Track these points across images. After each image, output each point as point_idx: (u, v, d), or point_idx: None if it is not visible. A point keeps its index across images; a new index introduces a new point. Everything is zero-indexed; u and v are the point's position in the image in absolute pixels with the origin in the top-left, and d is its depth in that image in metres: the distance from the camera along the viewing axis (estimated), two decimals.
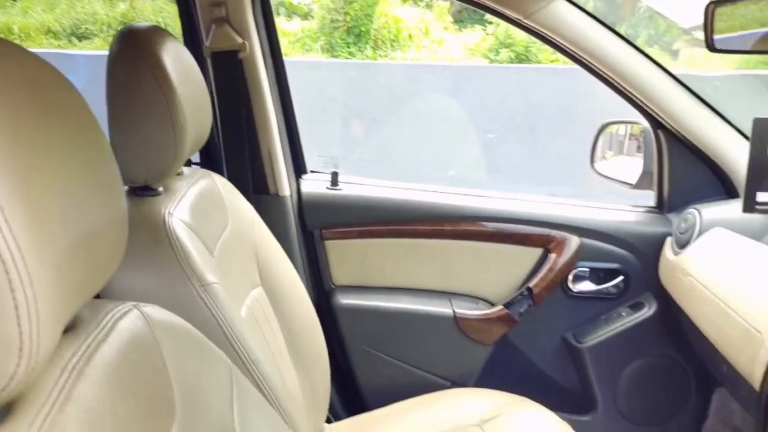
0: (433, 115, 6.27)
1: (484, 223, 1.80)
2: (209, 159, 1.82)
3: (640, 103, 1.67)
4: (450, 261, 1.83)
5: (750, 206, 0.97)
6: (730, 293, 1.35)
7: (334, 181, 1.86)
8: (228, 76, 1.69)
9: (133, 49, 1.05)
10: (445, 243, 1.81)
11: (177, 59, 1.09)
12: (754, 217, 1.55)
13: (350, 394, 1.86)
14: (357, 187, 1.88)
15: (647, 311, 1.79)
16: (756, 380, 1.20)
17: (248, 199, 1.44)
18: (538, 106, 6.27)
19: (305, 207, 1.84)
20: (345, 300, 1.82)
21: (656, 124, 1.73)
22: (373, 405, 1.64)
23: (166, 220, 1.06)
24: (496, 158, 6.23)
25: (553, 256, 1.78)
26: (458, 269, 1.83)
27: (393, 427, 1.51)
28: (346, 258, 1.84)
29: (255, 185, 1.77)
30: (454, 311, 1.80)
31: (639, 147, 1.95)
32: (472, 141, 6.31)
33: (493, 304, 1.83)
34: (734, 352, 1.31)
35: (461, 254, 1.82)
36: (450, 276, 1.84)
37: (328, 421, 1.58)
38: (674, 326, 1.75)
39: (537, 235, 1.79)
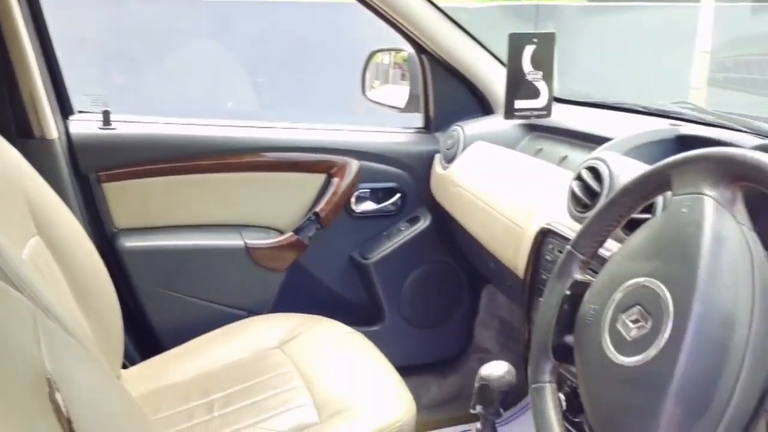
0: (199, 54, 6.05)
1: (266, 153, 1.83)
2: None
3: (405, 30, 1.79)
4: (236, 194, 1.84)
5: (510, 113, 1.11)
6: (493, 197, 1.53)
7: (107, 121, 1.77)
8: None
9: None
10: (229, 176, 1.82)
11: None
12: (509, 129, 1.75)
13: (145, 338, 1.84)
14: (132, 125, 1.81)
15: (423, 224, 1.95)
16: (520, 270, 1.38)
17: (13, 144, 1.34)
18: (304, 40, 6.31)
19: (77, 149, 1.74)
20: (129, 243, 1.78)
21: (420, 49, 1.86)
22: (170, 346, 1.63)
23: None
24: (271, 95, 6.20)
25: (335, 180, 1.86)
26: (245, 201, 1.86)
27: (192, 363, 1.51)
28: (127, 200, 1.78)
29: (18, 129, 1.64)
30: (245, 242, 1.83)
31: (403, 75, 2.08)
32: (243, 80, 6.21)
33: (282, 232, 1.88)
34: (500, 248, 1.49)
35: (247, 186, 1.84)
36: (238, 208, 1.86)
37: (124, 366, 1.56)
38: (447, 235, 1.93)
39: (319, 162, 1.86)
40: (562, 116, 1.66)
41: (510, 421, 1.90)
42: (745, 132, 1.25)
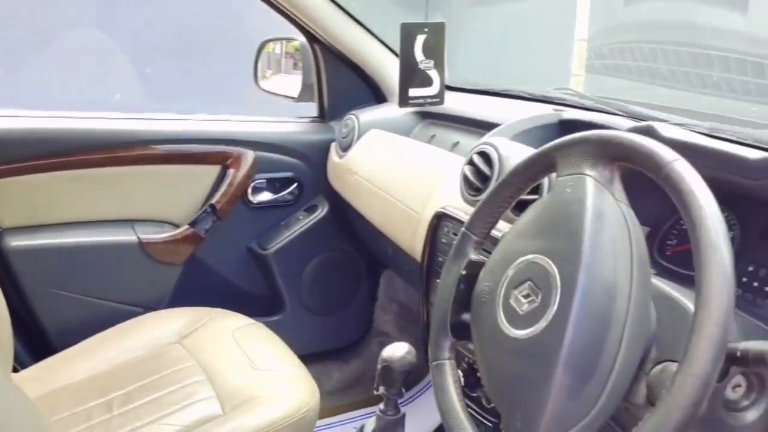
0: (81, 44, 5.79)
1: (158, 145, 1.79)
2: None
3: (297, 19, 1.79)
4: (128, 188, 1.79)
5: (404, 101, 1.14)
6: (389, 183, 1.56)
7: None
8: None
9: None
10: (120, 170, 1.77)
11: None
12: (402, 117, 1.78)
13: (37, 340, 1.77)
14: (13, 120, 1.73)
15: (321, 212, 1.96)
16: (417, 254, 1.42)
17: None
18: (193, 30, 6.15)
19: None
20: (16, 242, 1.70)
21: (312, 38, 1.87)
22: (64, 347, 1.57)
23: None
24: (159, 86, 6.01)
25: (231, 171, 1.85)
26: (138, 195, 1.81)
27: (88, 363, 1.47)
28: (12, 197, 1.70)
29: None
30: (138, 237, 1.78)
31: (295, 64, 2.08)
32: (130, 71, 5.99)
33: (177, 226, 1.85)
34: (397, 232, 1.52)
35: (139, 180, 1.79)
36: (130, 203, 1.81)
37: (15, 370, 1.49)
38: (345, 222, 1.96)
39: (213, 153, 1.84)
40: (454, 103, 1.72)
41: (412, 401, 1.96)
42: (621, 116, 1.33)
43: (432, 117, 1.76)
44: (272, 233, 1.96)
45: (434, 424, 1.84)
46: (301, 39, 1.92)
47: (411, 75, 1.11)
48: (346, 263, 2.05)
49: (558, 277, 0.77)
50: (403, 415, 1.22)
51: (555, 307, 0.76)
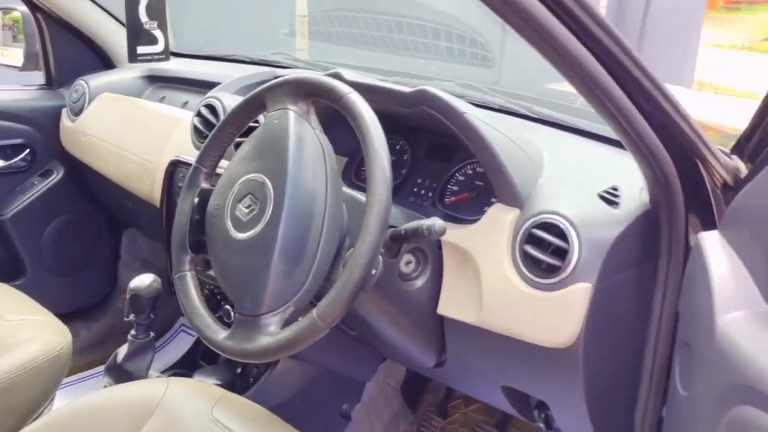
0: None
1: None
2: None
3: None
4: None
5: (134, 57, 1.27)
6: (124, 140, 1.69)
7: None
8: None
9: None
10: None
11: None
12: (132, 81, 1.90)
13: None
14: None
15: (56, 176, 2.01)
16: (156, 200, 1.57)
17: None
18: None
19: None
20: None
21: (33, 7, 1.90)
22: None
23: None
24: None
25: None
26: None
27: None
28: None
29: None
30: None
31: (14, 37, 2.09)
32: None
33: None
34: (136, 184, 1.66)
35: None
36: None
37: None
38: (82, 184, 2.03)
39: None
40: (181, 67, 1.87)
41: (167, 344, 2.10)
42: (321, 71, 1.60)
43: (161, 80, 1.90)
44: (7, 199, 1.97)
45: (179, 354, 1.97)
46: (22, 8, 1.93)
47: (138, 34, 1.25)
48: (86, 224, 2.12)
49: (271, 188, 0.99)
50: (153, 338, 1.38)
51: (270, 211, 0.98)
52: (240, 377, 1.55)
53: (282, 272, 0.97)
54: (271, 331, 0.97)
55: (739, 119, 1.00)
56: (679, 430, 0.89)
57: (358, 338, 1.41)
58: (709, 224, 0.98)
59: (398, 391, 1.82)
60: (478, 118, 1.08)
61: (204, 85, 1.75)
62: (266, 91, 1.08)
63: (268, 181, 1.01)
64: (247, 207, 1.02)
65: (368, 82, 1.19)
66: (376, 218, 0.92)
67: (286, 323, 0.98)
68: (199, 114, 1.45)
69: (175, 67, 1.90)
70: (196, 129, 1.45)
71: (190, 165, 1.46)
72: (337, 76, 1.16)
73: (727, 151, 0.97)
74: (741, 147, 0.94)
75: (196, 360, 1.67)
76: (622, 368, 1.10)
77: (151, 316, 1.36)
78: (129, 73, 1.93)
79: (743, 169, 0.95)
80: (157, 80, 1.91)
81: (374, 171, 0.94)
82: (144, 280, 1.34)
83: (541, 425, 1.25)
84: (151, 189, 1.59)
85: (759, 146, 0.92)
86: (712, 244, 0.90)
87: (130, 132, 1.71)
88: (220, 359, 1.63)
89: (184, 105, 1.75)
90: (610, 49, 0.79)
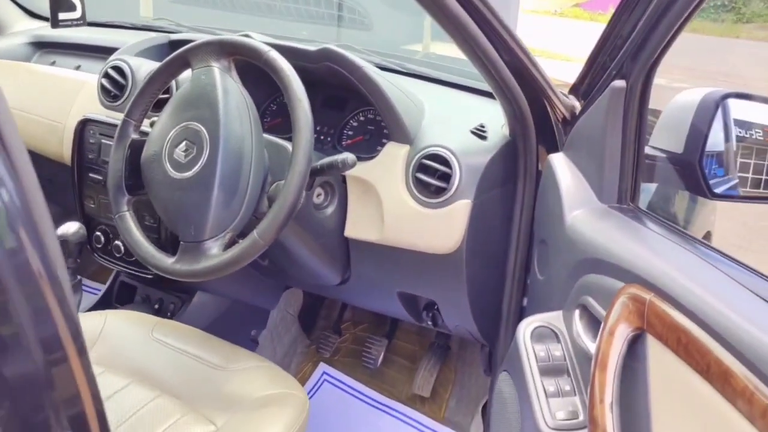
0: None
1: None
2: None
3: None
4: None
5: (56, 23, 1.37)
6: (26, 103, 1.76)
7: None
8: None
9: None
10: None
11: None
12: (17, 48, 1.98)
13: None
14: None
15: None
16: (67, 158, 1.67)
17: None
18: None
19: None
20: None
21: None
22: None
23: None
24: None
25: None
26: None
27: None
28: None
29: None
30: None
31: None
32: None
33: None
34: (44, 145, 1.73)
35: None
36: None
37: None
38: None
39: None
40: (67, 33, 1.95)
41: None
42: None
43: (48, 46, 1.97)
44: None
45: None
46: None
47: (59, 1, 1.34)
48: None
49: (206, 134, 1.17)
50: (80, 280, 1.52)
51: (207, 153, 1.16)
52: (157, 313, 1.70)
53: (222, 203, 1.16)
54: (215, 253, 1.16)
55: (557, 76, 1.30)
56: (539, 309, 1.18)
57: (264, 270, 1.62)
58: (553, 150, 1.27)
59: (296, 319, 2.05)
60: (374, 71, 1.31)
61: (95, 50, 1.86)
62: (190, 51, 1.25)
63: (202, 128, 1.18)
64: (184, 151, 1.19)
65: (279, 42, 1.38)
66: (303, 152, 1.13)
67: (227, 247, 1.17)
68: (106, 75, 1.58)
69: (57, 33, 1.96)
70: (104, 88, 1.58)
71: (99, 122, 1.60)
72: (249, 37, 1.34)
73: (566, 92, 1.26)
74: (576, 88, 1.23)
75: (111, 304, 1.80)
76: (493, 268, 1.39)
77: (78, 260, 1.49)
78: (14, 40, 1.98)
79: (578, 106, 1.25)
80: (43, 46, 1.97)
81: (299, 115, 1.14)
82: (70, 228, 1.46)
83: (429, 322, 1.53)
84: (60, 148, 1.68)
85: (588, 88, 1.21)
86: (559, 162, 1.19)
87: (30, 95, 1.77)
88: (135, 300, 1.77)
89: (78, 68, 1.85)
90: (483, 14, 1.05)
